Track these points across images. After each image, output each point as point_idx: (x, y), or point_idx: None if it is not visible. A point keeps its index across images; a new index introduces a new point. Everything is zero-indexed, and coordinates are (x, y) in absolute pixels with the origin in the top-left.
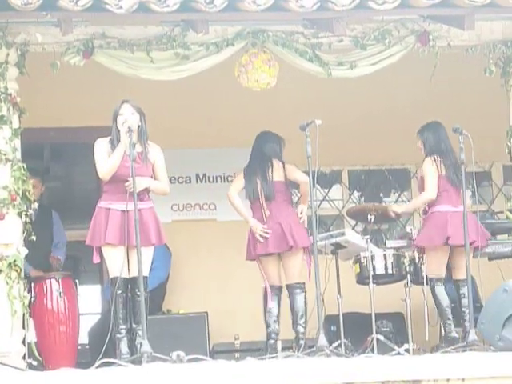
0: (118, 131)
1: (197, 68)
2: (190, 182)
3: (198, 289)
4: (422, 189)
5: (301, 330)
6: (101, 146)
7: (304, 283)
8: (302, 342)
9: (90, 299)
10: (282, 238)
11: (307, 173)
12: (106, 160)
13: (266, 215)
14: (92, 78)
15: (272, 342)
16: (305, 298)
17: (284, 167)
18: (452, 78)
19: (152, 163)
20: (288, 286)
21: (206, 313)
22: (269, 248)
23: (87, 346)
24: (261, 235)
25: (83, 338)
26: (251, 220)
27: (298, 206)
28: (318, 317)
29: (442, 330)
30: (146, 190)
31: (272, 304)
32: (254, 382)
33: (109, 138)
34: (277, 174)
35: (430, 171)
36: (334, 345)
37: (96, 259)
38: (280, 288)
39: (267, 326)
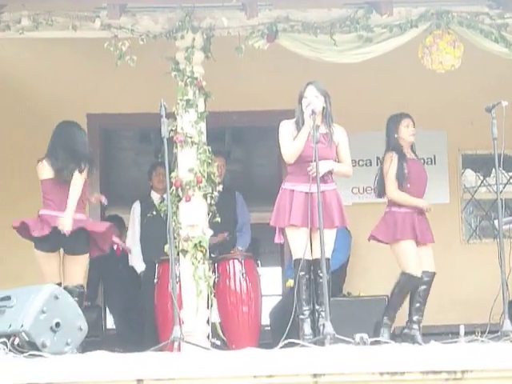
0: (303, 113)
1: (380, 50)
2: (371, 164)
3: (378, 272)
4: None
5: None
6: (286, 127)
7: None
8: None
9: (271, 281)
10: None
11: (492, 155)
12: (291, 142)
13: None
14: (274, 62)
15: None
16: None
17: None
18: None
19: (336, 144)
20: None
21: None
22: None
23: (268, 328)
24: None
25: (264, 320)
26: (421, 201)
27: None
28: (502, 302)
29: None
30: (330, 172)
31: None
32: (438, 366)
33: (293, 119)
34: None
35: None
36: None
37: (278, 238)
38: None
39: None
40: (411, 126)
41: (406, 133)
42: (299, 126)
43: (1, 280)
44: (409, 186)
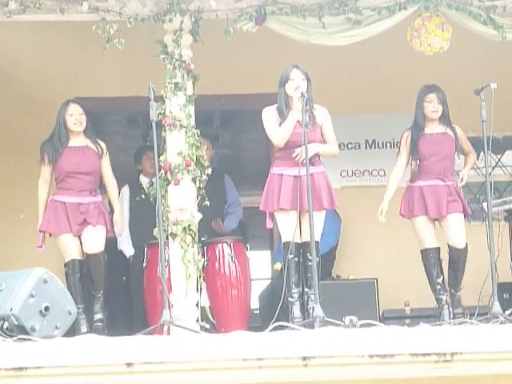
0: (287, 97)
1: (368, 33)
2: (360, 148)
3: (367, 255)
4: None
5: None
6: (269, 114)
7: None
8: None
9: (260, 264)
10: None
11: (481, 138)
12: (277, 128)
13: None
14: (263, 45)
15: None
16: None
17: None
18: None
19: (320, 126)
20: None
21: (376, 279)
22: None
23: (257, 311)
24: None
25: (254, 303)
26: (383, 204)
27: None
28: (492, 284)
29: None
30: (317, 154)
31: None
32: (427, 348)
33: (275, 106)
34: None
35: None
36: (508, 312)
37: (269, 224)
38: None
39: None
40: (435, 102)
41: (428, 109)
42: (283, 111)
43: None
44: (419, 162)
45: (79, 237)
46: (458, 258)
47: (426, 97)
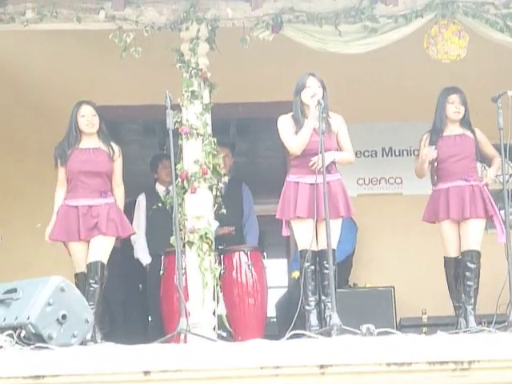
0: (302, 104)
1: (385, 40)
2: (376, 155)
3: (384, 263)
4: None
5: None
6: (285, 122)
7: None
8: None
9: (277, 273)
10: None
11: (498, 145)
12: (294, 136)
13: None
14: (279, 54)
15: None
16: None
17: None
18: None
19: (336, 133)
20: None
21: (393, 287)
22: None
23: (274, 319)
24: None
25: (270, 311)
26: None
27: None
28: (509, 292)
29: None
30: (333, 162)
31: None
32: (445, 356)
33: (290, 114)
34: None
35: None
36: None
37: (285, 232)
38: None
39: None
40: (457, 103)
41: (450, 110)
42: (298, 118)
43: (6, 271)
44: (439, 165)
45: (88, 243)
46: (471, 267)
47: (449, 98)
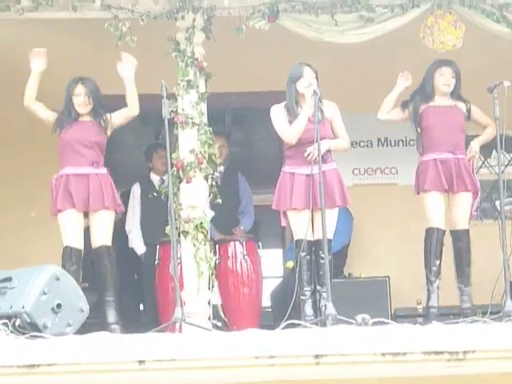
0: (297, 94)
1: (381, 30)
2: (372, 146)
3: (379, 253)
4: None
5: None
6: (278, 112)
7: None
8: None
9: (272, 263)
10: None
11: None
12: (288, 125)
13: None
14: (275, 43)
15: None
16: None
17: None
18: None
19: (329, 120)
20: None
21: (388, 277)
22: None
23: (269, 309)
24: None
25: (265, 301)
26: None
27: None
28: (504, 282)
29: None
30: (328, 151)
31: None
32: (440, 346)
33: (283, 103)
34: None
35: None
36: None
37: (284, 222)
38: None
39: None
40: (448, 75)
41: (439, 81)
42: (292, 108)
43: (1, 262)
44: (424, 134)
45: (85, 215)
46: (461, 245)
47: (440, 69)
